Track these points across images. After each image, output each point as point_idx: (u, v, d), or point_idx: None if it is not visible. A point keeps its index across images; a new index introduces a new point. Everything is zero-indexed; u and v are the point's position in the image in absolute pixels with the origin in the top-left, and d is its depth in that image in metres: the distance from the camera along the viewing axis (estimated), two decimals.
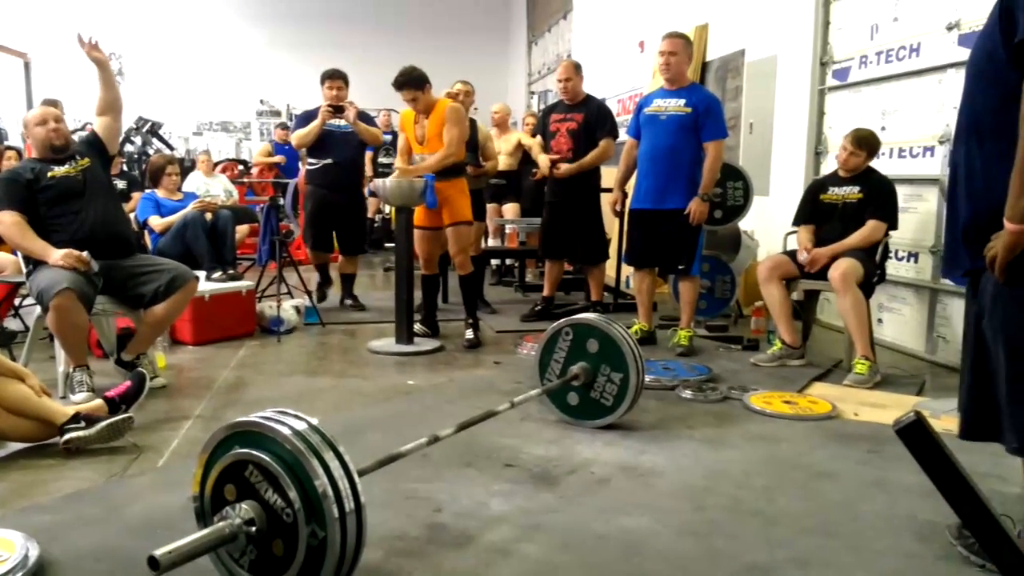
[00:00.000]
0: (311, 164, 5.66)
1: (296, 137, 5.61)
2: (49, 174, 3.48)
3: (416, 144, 4.66)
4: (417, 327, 4.69)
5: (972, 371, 1.84)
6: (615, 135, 5.12)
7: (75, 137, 3.76)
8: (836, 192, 4.10)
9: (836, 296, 3.91)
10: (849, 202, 4.04)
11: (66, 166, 3.53)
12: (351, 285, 5.90)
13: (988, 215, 1.70)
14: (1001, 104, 1.69)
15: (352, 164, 5.66)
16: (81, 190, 3.52)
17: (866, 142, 4.04)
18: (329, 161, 5.49)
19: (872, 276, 3.96)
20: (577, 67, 5.14)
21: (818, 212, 4.17)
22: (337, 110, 5.39)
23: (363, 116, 5.60)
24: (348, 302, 5.79)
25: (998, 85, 1.72)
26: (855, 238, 3.94)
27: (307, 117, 5.54)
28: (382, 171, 9.02)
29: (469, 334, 4.64)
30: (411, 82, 4.50)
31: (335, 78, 5.48)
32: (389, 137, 9.76)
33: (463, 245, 4.70)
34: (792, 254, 4.18)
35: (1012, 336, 1.70)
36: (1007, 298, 1.71)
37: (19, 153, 6.32)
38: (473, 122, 5.58)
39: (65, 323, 3.26)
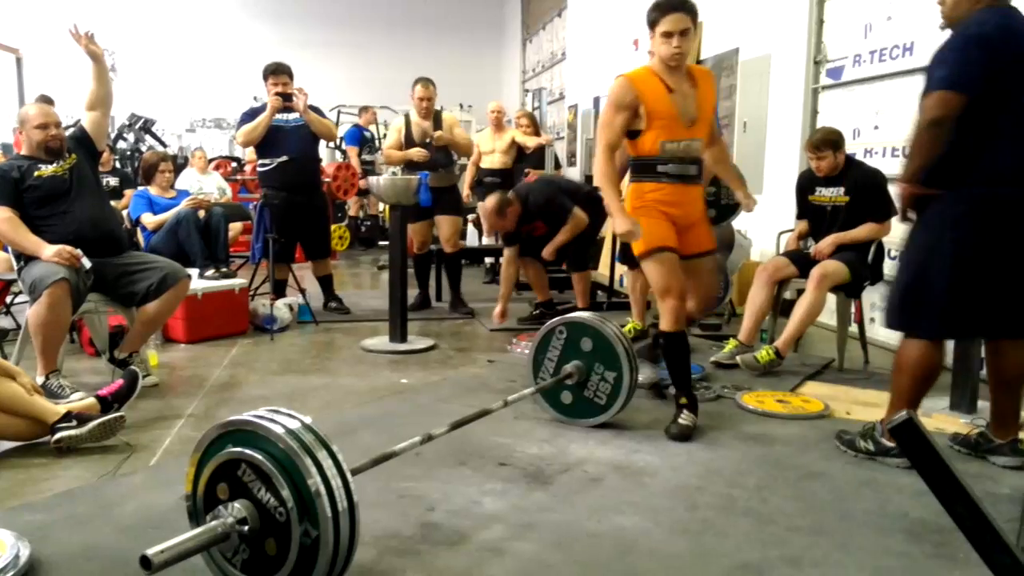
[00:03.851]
0: (263, 165, 5.20)
1: (242, 134, 5.14)
2: (36, 173, 3.44)
3: (681, 126, 2.97)
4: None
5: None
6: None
7: (65, 133, 3.73)
8: (823, 193, 4.06)
9: (806, 288, 3.91)
10: (838, 205, 4.00)
11: (53, 165, 3.49)
12: (331, 286, 5.58)
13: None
14: None
15: (309, 159, 5.28)
16: (68, 189, 3.49)
17: (825, 142, 3.94)
18: (284, 158, 5.06)
19: (863, 279, 3.96)
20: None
21: (811, 211, 4.16)
22: (286, 98, 5.03)
23: (313, 109, 5.20)
24: (332, 305, 5.50)
25: None
26: (859, 231, 3.91)
27: (252, 114, 5.17)
28: (367, 169, 8.97)
29: (683, 418, 3.00)
30: (689, 6, 2.92)
31: (279, 73, 5.10)
32: (369, 134, 9.73)
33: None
34: (790, 254, 4.17)
35: (907, 256, 2.68)
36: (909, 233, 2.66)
37: (4, 149, 6.29)
38: (437, 113, 5.46)
39: (53, 314, 3.24)
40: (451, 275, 5.68)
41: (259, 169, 5.34)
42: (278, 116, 5.09)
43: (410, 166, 5.36)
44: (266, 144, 5.14)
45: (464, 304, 5.58)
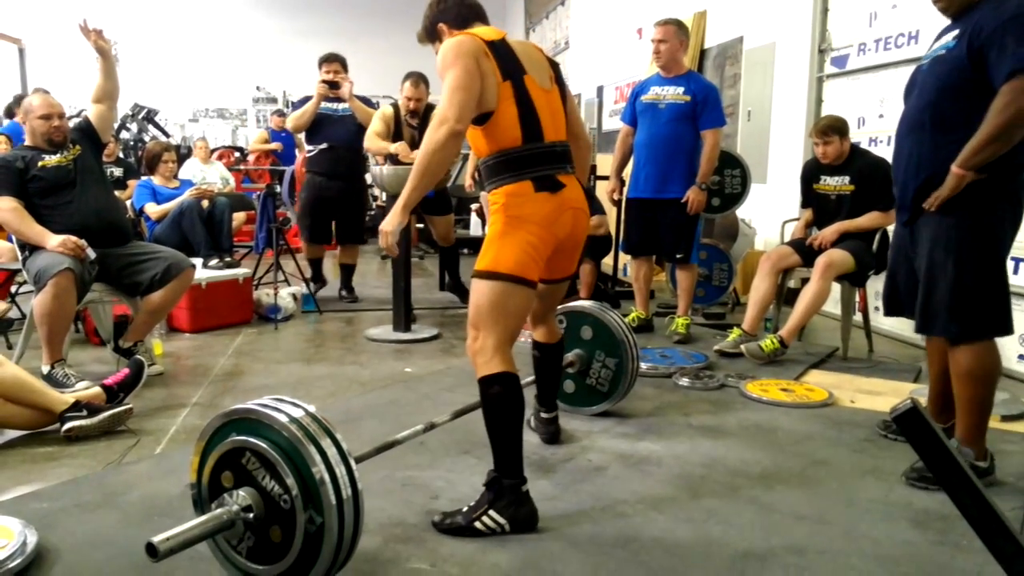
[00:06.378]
0: (309, 151, 5.50)
1: (292, 119, 5.48)
2: (40, 164, 3.44)
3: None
4: None
5: (925, 284, 2.38)
6: None
7: (69, 124, 3.73)
8: (828, 182, 4.05)
9: (811, 277, 3.90)
10: (843, 194, 3.99)
11: (57, 155, 3.50)
12: (350, 276, 5.69)
13: (934, 180, 2.35)
14: (955, 108, 2.35)
15: (350, 148, 5.42)
16: (72, 180, 3.49)
17: (831, 128, 3.94)
18: (325, 146, 5.33)
19: (868, 268, 3.96)
20: None
21: (815, 200, 4.15)
22: (333, 85, 5.28)
23: (361, 99, 5.47)
24: (344, 293, 5.61)
25: (960, 98, 2.32)
26: (864, 220, 3.91)
27: (304, 102, 5.44)
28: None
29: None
30: None
31: (332, 61, 5.37)
32: None
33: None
34: (794, 243, 4.17)
35: (957, 255, 2.30)
36: (945, 226, 2.32)
37: (10, 139, 6.28)
38: (429, 107, 5.04)
39: (58, 304, 3.25)
40: (451, 263, 5.69)
41: (307, 155, 5.63)
42: (328, 104, 5.37)
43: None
44: (313, 131, 5.42)
45: (464, 290, 5.54)
